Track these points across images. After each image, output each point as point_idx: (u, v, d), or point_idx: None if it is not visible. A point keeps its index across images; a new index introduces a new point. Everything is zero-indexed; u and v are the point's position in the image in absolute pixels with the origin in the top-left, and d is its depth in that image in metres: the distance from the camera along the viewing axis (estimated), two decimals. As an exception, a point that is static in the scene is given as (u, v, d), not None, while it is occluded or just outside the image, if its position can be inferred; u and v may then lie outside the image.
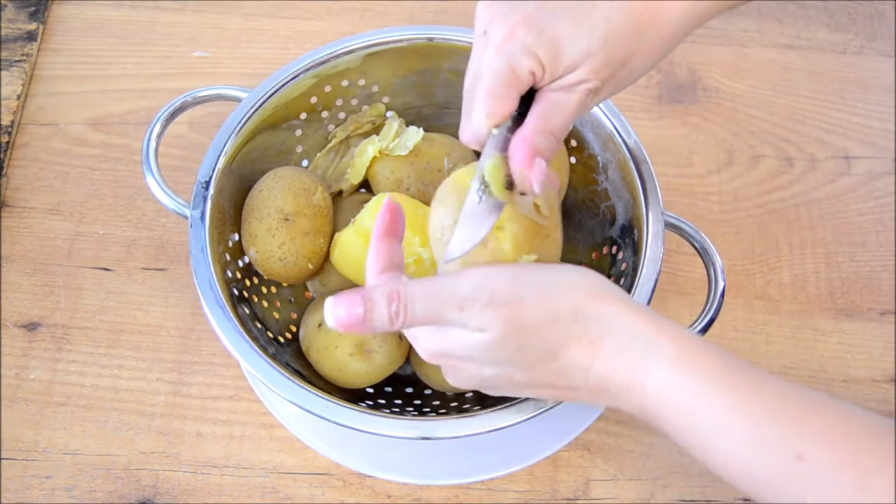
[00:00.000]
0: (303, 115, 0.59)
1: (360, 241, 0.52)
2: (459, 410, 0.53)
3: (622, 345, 0.38)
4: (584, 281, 0.39)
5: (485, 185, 0.40)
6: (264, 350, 0.49)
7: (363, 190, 0.62)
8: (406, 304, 0.38)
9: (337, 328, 0.39)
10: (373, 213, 0.52)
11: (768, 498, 0.36)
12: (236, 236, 0.55)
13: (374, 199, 0.53)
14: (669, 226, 0.53)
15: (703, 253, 0.51)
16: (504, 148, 0.40)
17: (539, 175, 0.39)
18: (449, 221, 0.41)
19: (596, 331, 0.38)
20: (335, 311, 0.39)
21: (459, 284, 0.39)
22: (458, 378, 0.42)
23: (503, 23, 0.41)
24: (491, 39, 0.41)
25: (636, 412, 0.39)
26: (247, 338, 0.48)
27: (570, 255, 0.61)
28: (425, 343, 0.41)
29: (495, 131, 0.41)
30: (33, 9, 0.74)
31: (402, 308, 0.38)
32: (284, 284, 0.59)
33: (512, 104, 0.41)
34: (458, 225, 0.40)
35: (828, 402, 0.37)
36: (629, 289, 0.50)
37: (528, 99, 0.42)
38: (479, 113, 0.40)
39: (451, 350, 0.40)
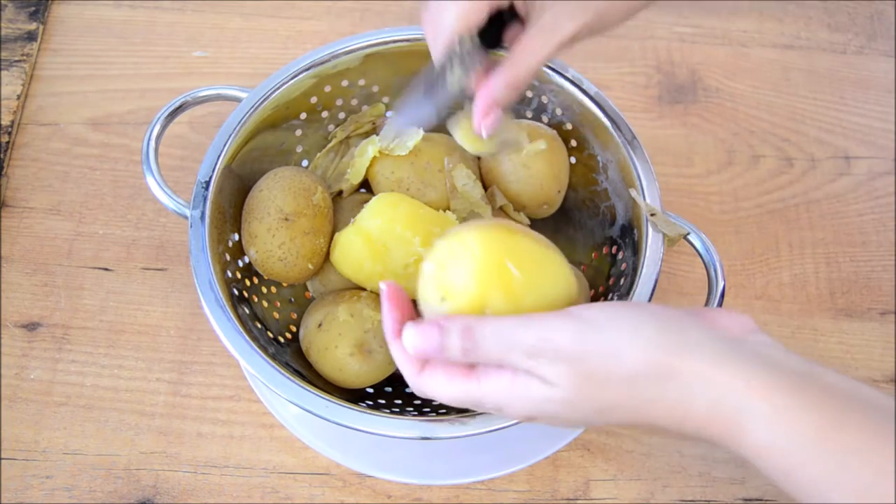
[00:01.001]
0: (303, 115, 0.59)
1: (360, 241, 0.52)
2: (459, 410, 0.53)
3: (711, 402, 0.35)
4: (651, 332, 0.36)
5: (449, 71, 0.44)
6: (264, 350, 0.49)
7: (363, 190, 0.62)
8: (477, 342, 0.38)
9: (415, 355, 0.39)
10: (373, 213, 0.52)
11: None
12: (236, 236, 0.55)
13: (375, 199, 0.54)
14: (669, 226, 0.52)
15: (703, 253, 0.51)
16: (464, 62, 0.44)
17: (492, 123, 0.45)
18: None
19: (679, 389, 0.36)
20: (412, 340, 0.39)
21: (524, 334, 0.37)
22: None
23: None
24: None
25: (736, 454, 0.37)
26: (247, 338, 0.48)
27: (570, 255, 0.60)
28: (492, 399, 0.39)
29: (460, 44, 0.44)
30: (33, 9, 0.74)
31: (472, 345, 0.38)
32: (284, 284, 0.59)
33: (482, 18, 0.43)
34: (399, 111, 0.44)
35: None
36: (629, 289, 0.50)
37: (499, 25, 0.45)
38: (451, 16, 0.43)
39: (509, 407, 0.39)
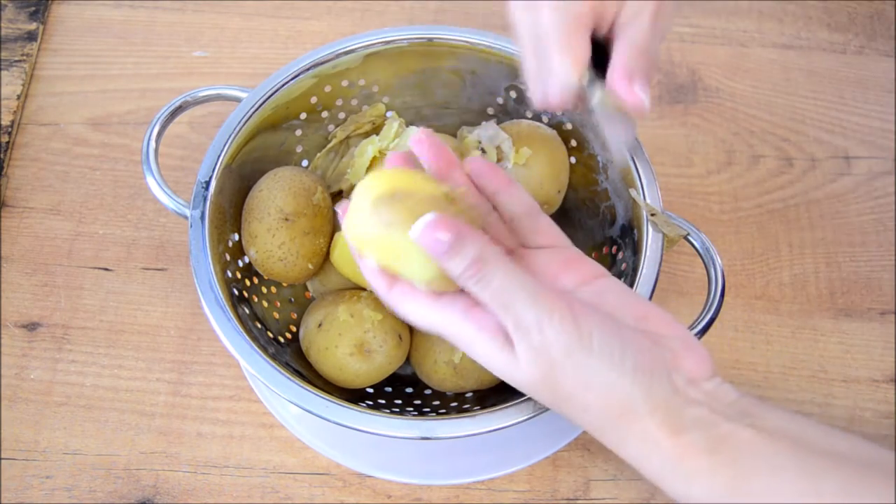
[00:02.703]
0: (303, 115, 0.59)
1: (360, 241, 0.52)
2: (459, 410, 0.53)
3: (640, 456, 0.39)
4: (625, 386, 0.38)
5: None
6: (264, 350, 0.49)
7: (363, 190, 0.62)
8: (483, 277, 0.38)
9: (414, 240, 0.38)
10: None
11: None
12: (236, 236, 0.55)
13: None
14: (669, 226, 0.52)
15: (703, 253, 0.51)
16: (593, 87, 0.43)
17: (643, 90, 0.42)
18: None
19: (615, 436, 0.39)
20: (425, 227, 0.37)
21: (531, 308, 0.38)
22: None
23: None
24: (541, 2, 0.42)
25: None
26: (247, 338, 0.48)
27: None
28: (454, 335, 0.41)
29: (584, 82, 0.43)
30: (33, 9, 0.74)
31: (477, 276, 0.38)
32: (284, 284, 0.59)
33: (588, 47, 0.42)
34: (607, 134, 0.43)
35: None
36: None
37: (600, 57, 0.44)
38: (563, 64, 0.41)
39: (474, 355, 0.40)
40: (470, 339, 0.40)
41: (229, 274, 0.53)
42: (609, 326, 0.39)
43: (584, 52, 0.43)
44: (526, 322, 0.38)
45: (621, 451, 0.40)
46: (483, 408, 0.47)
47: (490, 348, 0.39)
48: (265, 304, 0.57)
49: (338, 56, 0.57)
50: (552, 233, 0.46)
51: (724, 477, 0.37)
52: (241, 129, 0.55)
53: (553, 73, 0.43)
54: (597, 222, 0.59)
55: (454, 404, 0.55)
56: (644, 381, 0.38)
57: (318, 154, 0.61)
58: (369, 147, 0.58)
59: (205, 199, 0.52)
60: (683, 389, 0.39)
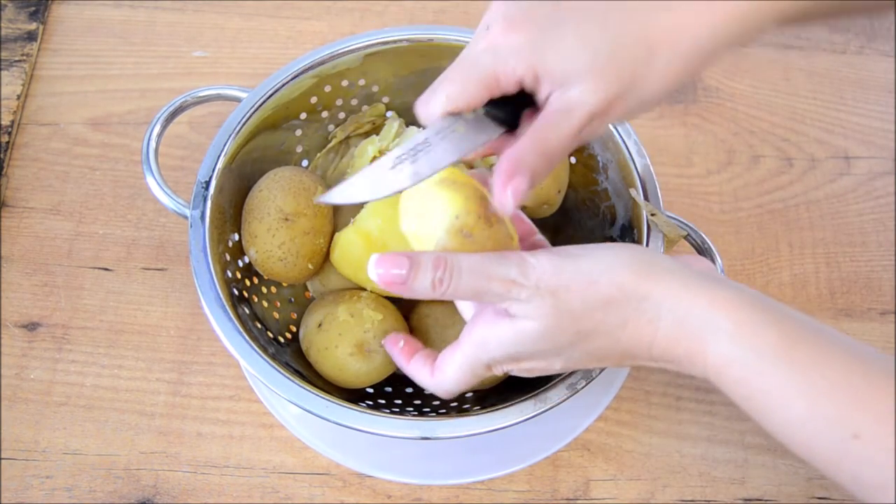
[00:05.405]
0: (303, 115, 0.59)
1: (360, 241, 0.52)
2: (459, 410, 0.53)
3: (678, 321, 0.38)
4: (625, 260, 0.39)
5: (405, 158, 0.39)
6: (264, 350, 0.49)
7: (363, 190, 0.62)
8: (452, 272, 0.38)
9: (377, 283, 0.39)
10: (373, 213, 0.52)
11: (829, 472, 0.36)
12: (236, 236, 0.55)
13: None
14: (669, 226, 0.52)
15: (703, 253, 0.51)
16: (453, 149, 0.39)
17: (520, 190, 0.37)
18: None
19: (650, 310, 0.38)
20: (377, 268, 0.39)
21: (502, 267, 0.38)
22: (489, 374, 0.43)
23: (507, 22, 0.39)
24: (490, 34, 0.40)
25: (700, 377, 0.39)
26: (247, 338, 0.48)
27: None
28: (478, 353, 0.41)
29: (450, 121, 0.40)
30: (33, 9, 0.74)
31: (447, 275, 0.38)
32: (284, 284, 0.59)
33: (475, 100, 0.39)
34: (354, 175, 0.39)
35: (893, 379, 0.36)
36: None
37: (517, 112, 0.41)
38: (441, 94, 0.39)
39: (493, 351, 0.41)
40: (486, 336, 0.41)
41: (229, 274, 0.53)
42: (588, 244, 0.41)
43: (468, 100, 0.39)
44: (512, 277, 0.38)
45: (659, 334, 0.38)
46: (483, 408, 0.47)
47: (506, 332, 0.40)
48: (265, 304, 0.57)
49: (338, 56, 0.57)
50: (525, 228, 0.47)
51: (771, 335, 0.37)
52: (241, 129, 0.55)
53: (433, 93, 0.40)
54: (597, 222, 0.59)
55: (454, 404, 0.55)
56: (646, 257, 0.39)
57: (318, 154, 0.61)
58: (369, 147, 0.58)
59: (205, 199, 0.52)
60: (697, 270, 0.40)
